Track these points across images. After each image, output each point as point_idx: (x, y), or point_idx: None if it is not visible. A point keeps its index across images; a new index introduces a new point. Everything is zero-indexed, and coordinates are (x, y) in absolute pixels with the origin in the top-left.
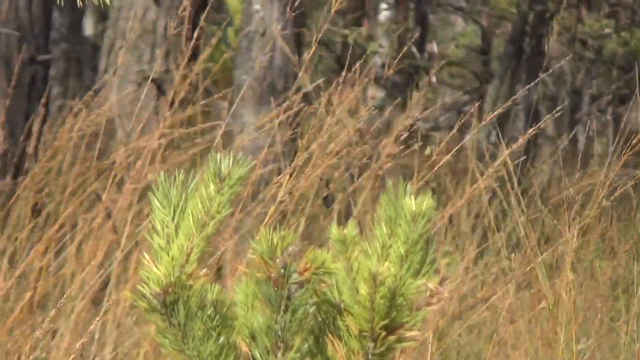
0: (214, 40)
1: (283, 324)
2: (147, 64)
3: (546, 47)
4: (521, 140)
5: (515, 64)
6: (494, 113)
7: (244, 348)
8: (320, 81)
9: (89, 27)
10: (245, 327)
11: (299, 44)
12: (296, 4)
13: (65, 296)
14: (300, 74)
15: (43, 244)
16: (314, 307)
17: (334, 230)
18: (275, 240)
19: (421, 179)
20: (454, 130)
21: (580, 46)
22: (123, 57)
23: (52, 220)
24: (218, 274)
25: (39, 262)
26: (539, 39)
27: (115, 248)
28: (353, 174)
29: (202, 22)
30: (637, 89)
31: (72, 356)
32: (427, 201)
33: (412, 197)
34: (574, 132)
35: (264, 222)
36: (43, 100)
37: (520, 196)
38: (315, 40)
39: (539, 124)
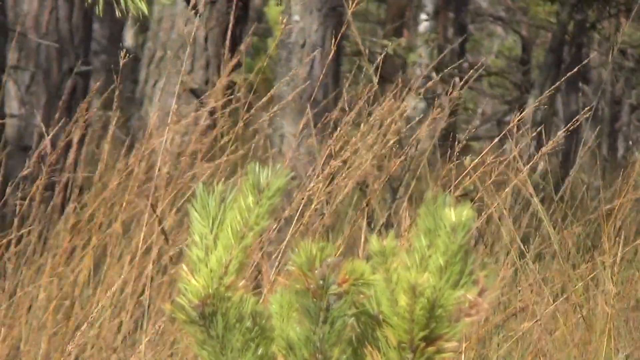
0: (253, 51)
1: (321, 336)
2: (187, 75)
3: (586, 56)
4: (550, 145)
5: (555, 74)
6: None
7: (282, 359)
8: (359, 92)
9: (129, 38)
10: (281, 338)
11: (338, 55)
12: (335, 14)
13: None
14: (342, 86)
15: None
16: (352, 318)
17: (373, 242)
18: (314, 252)
19: (460, 189)
20: (496, 140)
21: (620, 55)
22: (166, 68)
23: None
24: (256, 285)
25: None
26: (579, 48)
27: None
28: (394, 187)
29: (241, 33)
30: None
31: None
32: (466, 212)
33: (452, 207)
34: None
35: (295, 229)
36: (83, 112)
37: (558, 205)
38: (356, 51)
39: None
